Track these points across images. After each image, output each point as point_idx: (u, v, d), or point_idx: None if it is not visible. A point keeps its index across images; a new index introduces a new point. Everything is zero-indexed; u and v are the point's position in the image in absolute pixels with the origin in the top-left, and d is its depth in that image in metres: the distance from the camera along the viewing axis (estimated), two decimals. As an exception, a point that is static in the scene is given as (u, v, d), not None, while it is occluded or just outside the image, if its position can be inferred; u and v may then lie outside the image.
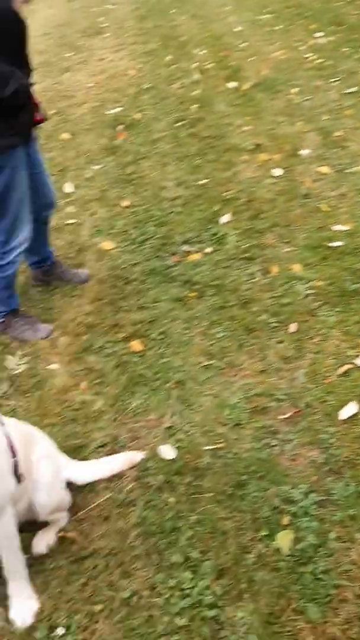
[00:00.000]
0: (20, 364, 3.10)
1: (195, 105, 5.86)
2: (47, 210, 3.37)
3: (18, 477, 1.99)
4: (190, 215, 4.18)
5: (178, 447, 2.56)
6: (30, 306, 3.50)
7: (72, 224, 4.24)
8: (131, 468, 2.48)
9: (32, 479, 2.13)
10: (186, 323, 3.27)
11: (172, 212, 4.25)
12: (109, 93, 6.42)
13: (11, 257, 3.11)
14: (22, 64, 2.80)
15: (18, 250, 3.12)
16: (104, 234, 4.11)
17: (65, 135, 5.59)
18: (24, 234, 3.08)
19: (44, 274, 3.65)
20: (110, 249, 3.94)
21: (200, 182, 4.57)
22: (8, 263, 3.12)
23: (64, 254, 3.90)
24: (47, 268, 3.63)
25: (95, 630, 1.93)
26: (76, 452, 2.57)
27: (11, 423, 2.13)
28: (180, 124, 5.54)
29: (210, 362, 2.99)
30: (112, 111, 5.97)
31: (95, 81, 6.81)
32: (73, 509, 2.33)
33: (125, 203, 4.43)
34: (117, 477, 2.45)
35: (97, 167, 5.02)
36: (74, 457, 2.48)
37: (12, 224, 3.01)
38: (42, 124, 3.08)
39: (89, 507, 2.35)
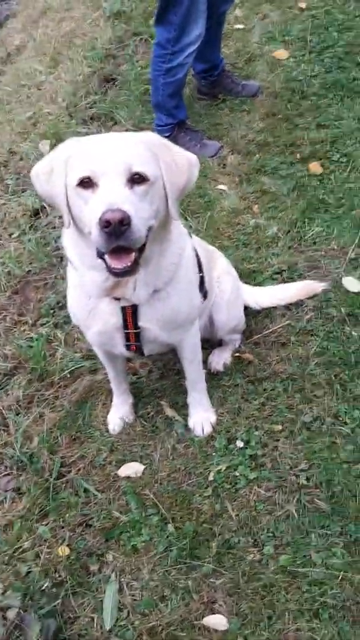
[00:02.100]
0: (186, 183, 2.89)
1: None
2: (225, 4, 2.92)
3: (204, 293, 1.89)
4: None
5: (364, 279, 2.32)
6: (195, 121, 3.21)
7: (240, 29, 3.73)
8: (310, 298, 2.31)
9: (213, 294, 2.04)
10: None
11: (358, 15, 3.57)
12: None
13: (181, 57, 2.76)
14: None
15: (189, 50, 2.75)
16: (277, 41, 3.59)
17: None
18: (198, 29, 2.69)
19: (211, 85, 3.28)
20: (284, 59, 3.45)
21: None
22: (177, 65, 2.78)
23: (231, 64, 3.47)
24: (214, 79, 3.25)
25: (276, 447, 1.91)
26: (250, 277, 2.42)
27: (196, 240, 1.99)
28: None
29: None
30: None
31: None
32: (247, 333, 2.25)
33: (302, 4, 3.79)
34: (296, 305, 2.30)
35: None
36: (248, 283, 2.34)
37: (186, 15, 2.62)
38: None
39: (265, 333, 2.24)
